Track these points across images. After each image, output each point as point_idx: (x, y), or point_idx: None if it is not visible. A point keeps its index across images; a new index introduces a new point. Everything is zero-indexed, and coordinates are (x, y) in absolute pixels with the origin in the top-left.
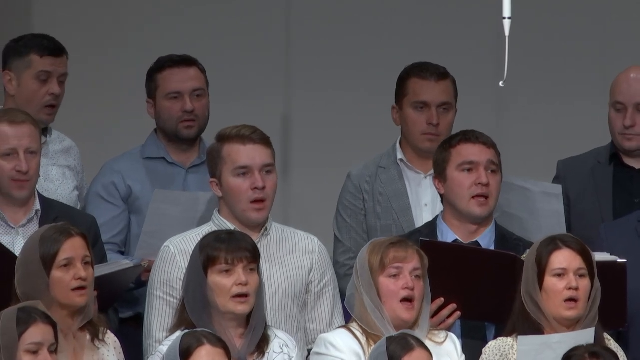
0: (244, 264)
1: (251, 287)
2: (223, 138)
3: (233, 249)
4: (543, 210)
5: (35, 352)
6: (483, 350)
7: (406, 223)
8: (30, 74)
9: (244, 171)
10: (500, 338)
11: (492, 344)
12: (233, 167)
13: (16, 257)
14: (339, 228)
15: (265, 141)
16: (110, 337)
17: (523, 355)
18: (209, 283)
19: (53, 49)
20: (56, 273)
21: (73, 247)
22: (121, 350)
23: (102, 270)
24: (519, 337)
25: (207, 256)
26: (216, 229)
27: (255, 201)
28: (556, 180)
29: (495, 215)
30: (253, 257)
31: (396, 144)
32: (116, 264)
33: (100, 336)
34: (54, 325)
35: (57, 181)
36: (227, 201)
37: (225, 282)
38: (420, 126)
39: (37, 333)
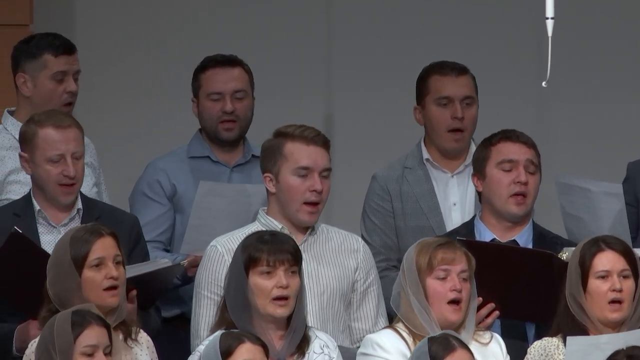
0: (285, 266)
1: (291, 290)
2: (285, 135)
3: (275, 250)
4: (605, 211)
5: (90, 355)
6: (528, 350)
7: (436, 223)
8: (47, 75)
9: (305, 172)
10: (546, 338)
11: (537, 343)
12: (295, 166)
13: None
14: (367, 230)
15: (327, 145)
16: (143, 337)
17: (571, 356)
18: (249, 284)
19: (66, 47)
20: (88, 273)
21: (104, 247)
22: (154, 349)
23: (139, 269)
24: (567, 337)
25: (248, 256)
26: (263, 229)
27: (310, 203)
28: (626, 181)
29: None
30: (295, 259)
31: (420, 144)
32: (154, 263)
33: (133, 336)
34: (108, 327)
35: None
36: (279, 198)
37: (265, 284)
38: (445, 122)
39: (92, 335)
